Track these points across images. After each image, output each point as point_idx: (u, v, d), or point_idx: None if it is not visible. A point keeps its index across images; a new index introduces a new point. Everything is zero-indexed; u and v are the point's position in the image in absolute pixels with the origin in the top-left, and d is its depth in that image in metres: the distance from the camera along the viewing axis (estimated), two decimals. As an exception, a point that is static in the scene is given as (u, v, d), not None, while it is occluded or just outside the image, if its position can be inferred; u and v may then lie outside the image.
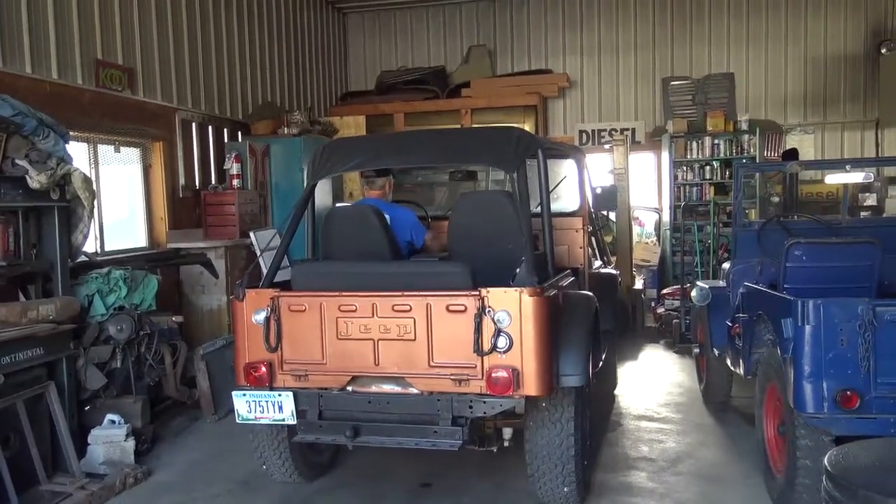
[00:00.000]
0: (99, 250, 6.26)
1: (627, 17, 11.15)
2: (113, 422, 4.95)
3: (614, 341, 6.21)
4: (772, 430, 4.17)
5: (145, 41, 6.93)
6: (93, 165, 6.29)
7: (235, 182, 7.59)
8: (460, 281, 3.62)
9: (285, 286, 3.98)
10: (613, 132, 11.08)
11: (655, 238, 10.88)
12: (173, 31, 7.37)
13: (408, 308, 3.62)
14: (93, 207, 4.98)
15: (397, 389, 3.71)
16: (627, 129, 11.12)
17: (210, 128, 8.03)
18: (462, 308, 3.53)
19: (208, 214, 7.39)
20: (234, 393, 3.85)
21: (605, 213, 9.38)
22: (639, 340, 8.71)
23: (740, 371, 4.94)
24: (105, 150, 6.48)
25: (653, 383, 6.93)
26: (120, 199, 6.84)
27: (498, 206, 4.43)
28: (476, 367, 3.53)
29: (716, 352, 5.52)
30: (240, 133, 8.50)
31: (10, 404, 4.30)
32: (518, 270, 3.68)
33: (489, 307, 3.48)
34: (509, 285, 3.58)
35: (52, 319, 4.62)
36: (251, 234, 6.90)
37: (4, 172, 4.38)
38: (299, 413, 3.80)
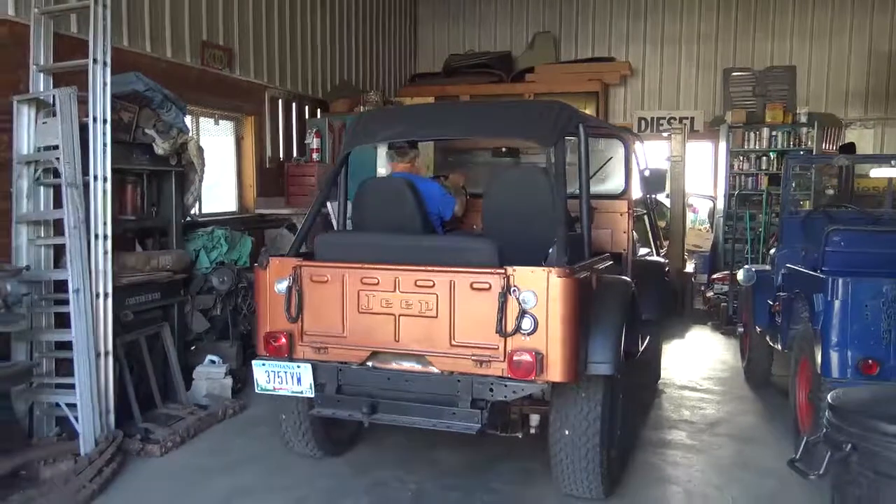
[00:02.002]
0: (197, 212, 6.99)
1: (692, 8, 11.39)
2: (213, 361, 5.67)
3: (658, 332, 6.00)
4: (802, 397, 4.61)
5: (242, 24, 7.61)
6: (196, 136, 7.00)
7: (315, 155, 8.27)
8: (486, 257, 3.48)
9: (310, 257, 3.95)
10: (672, 120, 11.38)
11: (709, 225, 11.19)
12: (265, 14, 8.02)
13: (431, 284, 3.51)
14: (203, 173, 5.67)
15: (417, 367, 3.61)
16: (686, 118, 11.39)
17: (294, 104, 8.70)
18: (486, 286, 3.40)
19: (290, 184, 8.09)
20: (253, 362, 3.82)
21: (657, 198, 9.77)
22: (687, 322, 9.13)
23: (779, 346, 5.37)
24: (205, 123, 7.20)
25: (697, 359, 7.37)
26: (215, 167, 7.56)
27: (534, 183, 4.27)
28: (498, 348, 3.40)
29: (758, 329, 5.94)
30: (319, 110, 9.15)
31: (135, 339, 5.04)
32: (551, 251, 3.62)
33: (515, 286, 3.34)
34: (539, 265, 3.45)
35: (168, 269, 5.33)
36: (328, 204, 7.55)
37: (137, 140, 5.08)
38: (318, 386, 3.73)
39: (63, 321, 4.53)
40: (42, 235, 4.71)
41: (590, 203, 4.02)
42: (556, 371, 3.34)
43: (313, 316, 3.73)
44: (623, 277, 4.29)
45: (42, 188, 4.76)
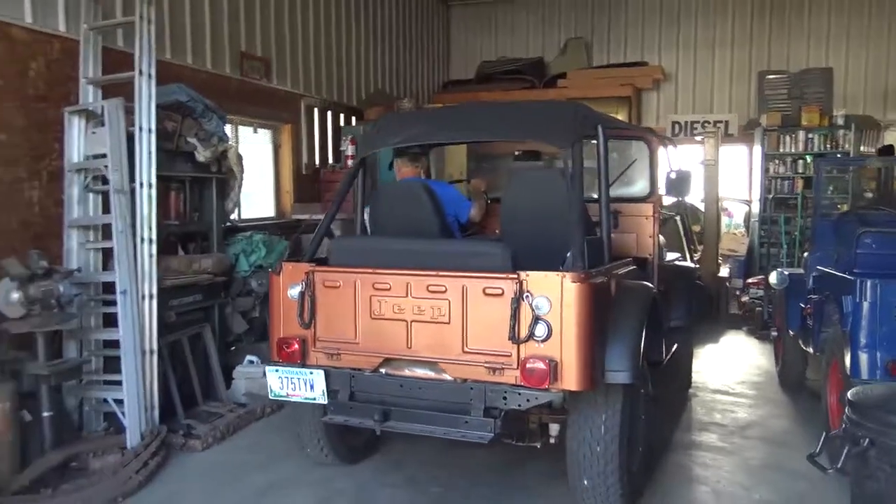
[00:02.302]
0: (237, 217, 7.20)
1: (725, 12, 11.35)
2: (252, 362, 5.85)
3: (689, 338, 5.92)
4: (833, 399, 4.61)
5: (279, 35, 7.84)
6: (235, 144, 7.23)
7: (350, 162, 8.45)
8: (499, 262, 3.40)
9: (325, 262, 3.92)
10: (706, 124, 11.32)
11: (744, 229, 11.12)
12: (301, 25, 8.25)
13: (443, 289, 3.45)
14: (242, 180, 5.87)
15: (431, 374, 3.56)
16: (721, 122, 11.33)
17: (329, 113, 8.91)
18: (499, 291, 3.33)
19: (325, 190, 8.29)
20: (266, 368, 3.84)
21: (691, 202, 9.74)
22: (722, 327, 9.09)
23: (811, 349, 5.36)
24: (244, 131, 7.43)
25: (731, 364, 7.35)
26: (254, 174, 7.78)
27: (552, 185, 4.14)
28: (511, 355, 3.32)
29: (791, 333, 5.93)
30: (353, 118, 9.35)
31: (178, 339, 5.25)
32: (568, 255, 3.50)
33: (528, 292, 3.27)
34: (556, 269, 3.36)
35: (209, 272, 5.53)
36: (365, 211, 7.72)
37: (180, 148, 5.30)
38: (331, 393, 3.71)
39: (111, 321, 4.75)
40: (91, 240, 4.95)
41: (609, 206, 3.89)
42: (570, 379, 3.24)
43: (326, 322, 3.71)
44: (644, 283, 4.13)
45: (91, 195, 4.99)
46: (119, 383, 4.59)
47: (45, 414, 4.34)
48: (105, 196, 4.88)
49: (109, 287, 4.71)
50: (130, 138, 4.77)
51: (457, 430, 3.44)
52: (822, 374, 4.85)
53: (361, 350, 3.65)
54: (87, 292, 4.79)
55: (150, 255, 4.82)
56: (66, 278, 4.46)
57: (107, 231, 4.84)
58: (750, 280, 9.50)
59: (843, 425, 2.67)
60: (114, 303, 4.63)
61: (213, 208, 5.75)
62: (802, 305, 5.56)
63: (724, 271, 10.02)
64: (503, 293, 3.31)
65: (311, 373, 3.67)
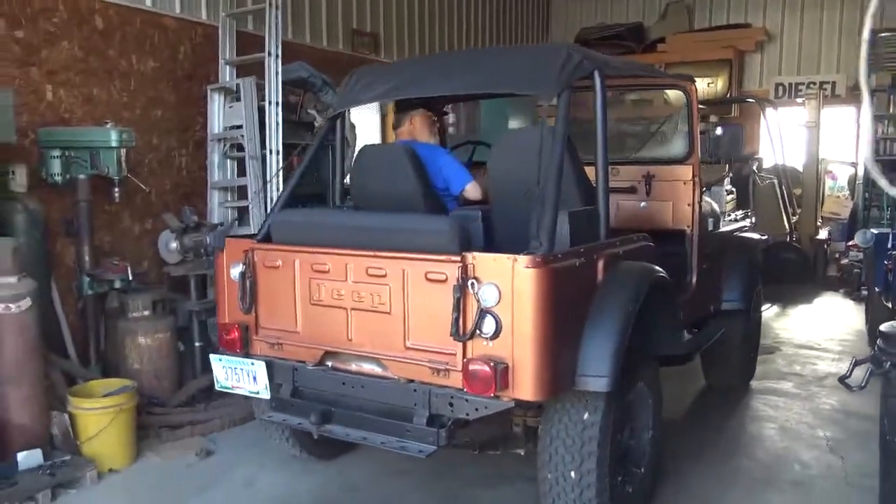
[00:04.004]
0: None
1: (834, -31, 11.05)
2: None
3: (750, 325, 5.14)
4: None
5: (386, 10, 8.46)
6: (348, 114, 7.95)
7: (451, 130, 9.02)
8: (443, 241, 2.83)
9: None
10: (812, 85, 11.12)
11: (848, 192, 10.91)
12: (407, 0, 8.85)
13: (382, 273, 2.93)
14: (355, 146, 6.56)
15: (377, 371, 3.06)
16: (827, 83, 11.10)
17: (432, 83, 9.49)
18: (443, 277, 2.78)
19: (429, 156, 8.90)
20: (211, 356, 3.45)
21: (789, 164, 9.66)
22: (818, 289, 9.15)
23: (890, 304, 5.52)
24: (355, 102, 8.13)
25: (821, 323, 7.50)
26: (364, 140, 8.49)
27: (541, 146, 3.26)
28: (456, 354, 2.78)
29: (876, 290, 6.06)
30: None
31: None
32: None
33: (474, 278, 2.70)
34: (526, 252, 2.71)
35: (326, 228, 6.28)
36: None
37: (302, 119, 6.03)
38: (274, 386, 3.29)
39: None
40: (230, 199, 5.77)
41: (607, 170, 3.27)
42: (524, 386, 2.67)
43: (267, 307, 3.28)
44: (643, 264, 3.35)
45: (229, 160, 5.81)
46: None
47: (197, 344, 5.20)
48: (240, 161, 5.67)
49: (246, 239, 5.52)
50: (261, 111, 5.51)
51: (396, 440, 2.93)
52: (900, 328, 5.01)
53: (302, 341, 3.21)
54: (227, 244, 5.62)
55: (279, 212, 5.59)
56: (211, 231, 5.29)
57: (242, 192, 5.65)
58: (850, 242, 9.43)
59: (873, 352, 3.02)
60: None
61: (330, 172, 6.46)
62: (886, 263, 5.70)
63: (822, 233, 9.97)
64: (447, 279, 2.75)
65: (253, 363, 3.25)
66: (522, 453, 3.37)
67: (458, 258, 2.75)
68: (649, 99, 8.06)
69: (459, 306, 2.73)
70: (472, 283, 2.71)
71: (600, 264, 3.05)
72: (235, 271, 3.32)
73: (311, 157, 3.86)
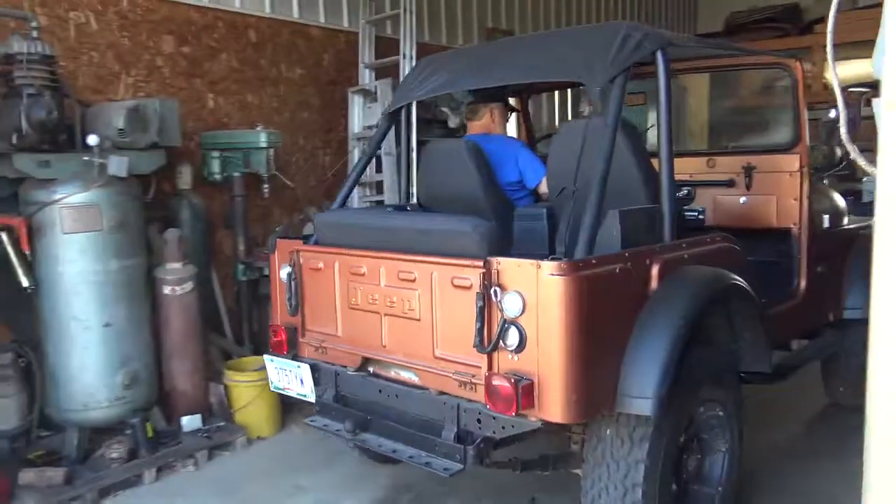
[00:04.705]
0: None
1: None
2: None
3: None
4: None
5: (522, 7, 8.59)
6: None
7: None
8: (468, 244, 2.64)
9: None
10: None
11: None
12: (541, -4, 8.96)
13: (412, 277, 2.78)
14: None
15: (413, 380, 2.89)
16: None
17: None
18: (468, 283, 2.58)
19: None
20: (264, 357, 3.41)
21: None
22: None
23: None
24: (490, 99, 8.35)
25: None
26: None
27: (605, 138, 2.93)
28: (482, 367, 2.57)
29: None
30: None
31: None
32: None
33: (497, 285, 2.48)
34: (544, 256, 2.48)
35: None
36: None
37: (435, 117, 6.32)
38: (321, 390, 3.21)
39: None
40: (368, 193, 6.17)
41: (672, 163, 2.90)
42: (552, 406, 2.41)
43: (311, 309, 3.24)
44: (715, 271, 2.97)
45: (388, 157, 6.22)
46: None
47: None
48: (378, 158, 6.04)
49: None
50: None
51: (425, 455, 2.74)
52: None
53: (343, 344, 3.13)
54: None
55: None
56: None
57: (379, 187, 6.02)
58: None
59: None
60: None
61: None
62: None
63: None
64: (472, 286, 2.55)
65: (299, 366, 3.20)
66: (581, 473, 2.92)
67: (481, 263, 2.52)
68: (753, 81, 7.40)
69: (483, 315, 2.51)
70: (496, 291, 2.47)
71: (654, 270, 2.70)
72: (283, 273, 3.28)
73: (369, 157, 3.75)
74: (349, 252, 3.05)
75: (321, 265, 3.16)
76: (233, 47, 5.51)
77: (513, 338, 2.45)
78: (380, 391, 2.98)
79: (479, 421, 2.60)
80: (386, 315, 2.91)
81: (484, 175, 3.49)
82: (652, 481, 2.67)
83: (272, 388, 3.40)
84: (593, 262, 2.49)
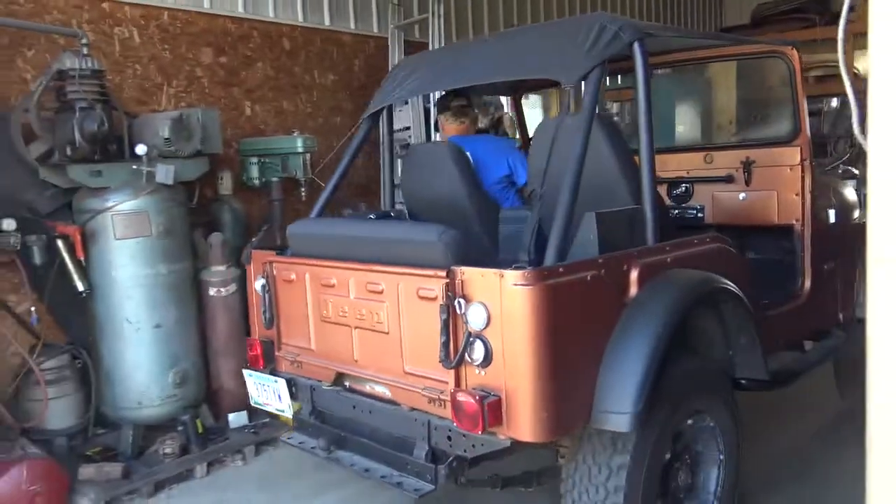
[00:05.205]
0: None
1: None
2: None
3: None
4: None
5: (547, 8, 8.67)
6: (508, 111, 8.29)
7: (616, 118, 9.07)
8: (433, 253, 2.46)
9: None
10: None
11: None
12: (568, -5, 9.03)
13: (379, 288, 2.64)
14: (515, 140, 6.87)
15: (387, 396, 2.75)
16: None
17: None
18: (433, 294, 2.42)
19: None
20: (243, 371, 3.28)
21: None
22: None
23: None
24: (518, 98, 8.45)
25: None
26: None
27: (598, 136, 2.75)
28: (449, 383, 2.42)
29: None
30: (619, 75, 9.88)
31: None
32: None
33: (462, 296, 2.33)
34: (513, 264, 2.30)
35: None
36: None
37: (464, 117, 6.45)
38: (297, 406, 3.12)
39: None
40: (399, 197, 6.30)
41: (653, 162, 2.73)
42: (521, 424, 2.27)
43: (286, 322, 3.11)
44: (701, 274, 2.78)
45: (399, 159, 6.34)
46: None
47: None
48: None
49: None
50: (426, 113, 5.98)
51: (397, 475, 2.64)
52: None
53: (317, 358, 3.00)
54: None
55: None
56: (384, 224, 5.84)
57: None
58: None
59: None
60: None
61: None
62: None
63: None
64: (437, 297, 2.40)
65: (276, 381, 3.09)
66: (531, 490, 2.88)
67: (444, 273, 2.37)
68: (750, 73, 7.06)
69: (448, 328, 2.36)
70: (460, 303, 2.33)
71: (633, 275, 2.53)
72: (258, 285, 3.17)
73: (348, 163, 3.53)
74: (318, 263, 2.92)
75: (293, 277, 3.03)
76: (268, 56, 5.69)
77: (478, 352, 2.32)
78: (354, 407, 2.86)
79: (449, 439, 2.48)
80: (356, 328, 2.78)
81: (467, 179, 3.41)
82: (634, 498, 2.53)
83: (252, 404, 3.29)
84: (560, 270, 2.32)
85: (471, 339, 2.32)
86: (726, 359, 3.03)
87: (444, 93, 4.31)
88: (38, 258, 3.98)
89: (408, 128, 6.01)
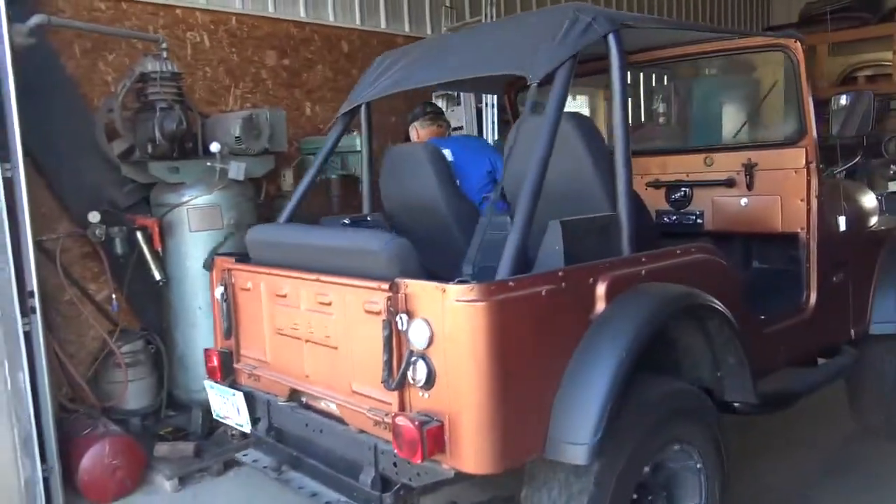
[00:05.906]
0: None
1: None
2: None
3: None
4: None
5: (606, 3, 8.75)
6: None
7: (661, 119, 9.11)
8: (376, 263, 2.28)
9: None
10: None
11: None
12: None
13: (328, 301, 2.48)
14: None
15: (338, 414, 2.57)
16: None
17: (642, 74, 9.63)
18: (378, 309, 2.23)
19: (638, 147, 9.09)
20: (205, 382, 3.12)
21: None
22: None
23: None
24: (565, 98, 8.56)
25: None
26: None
27: (563, 139, 2.47)
28: (392, 405, 2.23)
29: None
30: (665, 76, 9.90)
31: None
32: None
33: (404, 312, 2.13)
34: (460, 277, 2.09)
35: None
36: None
37: (514, 116, 6.58)
38: (254, 420, 2.93)
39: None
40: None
41: (629, 163, 2.50)
42: (466, 454, 2.06)
43: (244, 332, 2.96)
44: (678, 289, 2.53)
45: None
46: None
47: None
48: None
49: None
50: (479, 112, 6.15)
51: (343, 501, 2.46)
52: None
53: (272, 373, 2.83)
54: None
55: (494, 204, 6.21)
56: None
57: (462, 186, 6.34)
58: None
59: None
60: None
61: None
62: None
63: None
64: (381, 311, 2.21)
65: (234, 394, 2.94)
66: None
67: (386, 286, 2.16)
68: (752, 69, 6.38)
69: (391, 346, 2.16)
70: (402, 319, 2.12)
71: (600, 290, 2.28)
72: (218, 292, 3.01)
73: (320, 164, 3.43)
74: (271, 272, 2.76)
75: (250, 285, 2.88)
76: (327, 59, 5.92)
77: (421, 372, 2.10)
78: (307, 425, 2.68)
79: (395, 465, 2.27)
80: (307, 342, 2.61)
81: (445, 181, 3.25)
82: None
83: (215, 417, 3.14)
84: (511, 284, 2.07)
85: (413, 358, 2.12)
86: (713, 381, 2.78)
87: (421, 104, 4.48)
88: (119, 249, 4.24)
89: (460, 127, 6.19)
